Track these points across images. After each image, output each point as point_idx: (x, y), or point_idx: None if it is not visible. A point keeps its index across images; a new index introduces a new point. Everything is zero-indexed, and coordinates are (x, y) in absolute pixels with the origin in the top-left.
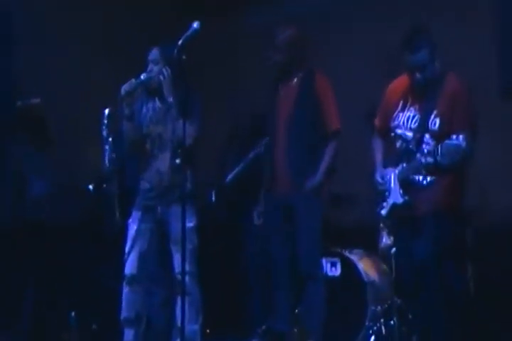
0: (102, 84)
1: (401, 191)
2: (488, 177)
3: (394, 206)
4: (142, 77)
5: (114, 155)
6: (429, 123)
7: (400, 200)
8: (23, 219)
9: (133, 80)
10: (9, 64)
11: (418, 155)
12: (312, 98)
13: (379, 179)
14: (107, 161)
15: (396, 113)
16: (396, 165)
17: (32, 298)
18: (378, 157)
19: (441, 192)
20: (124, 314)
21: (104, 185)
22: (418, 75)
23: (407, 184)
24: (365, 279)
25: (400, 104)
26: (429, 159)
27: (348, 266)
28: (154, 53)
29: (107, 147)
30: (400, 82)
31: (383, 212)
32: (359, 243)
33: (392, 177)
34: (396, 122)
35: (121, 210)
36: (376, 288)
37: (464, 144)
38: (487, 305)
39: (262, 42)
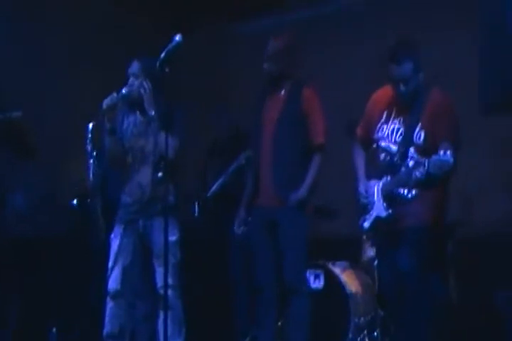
0: (85, 97)
1: (385, 204)
2: (470, 191)
3: (377, 219)
4: (124, 91)
5: (98, 170)
6: (414, 136)
7: (384, 214)
8: (4, 233)
9: (114, 94)
10: None
11: (403, 168)
12: (298, 111)
13: (362, 191)
14: (91, 175)
15: (380, 124)
16: (379, 178)
17: (14, 313)
18: (361, 169)
19: (426, 205)
20: (107, 329)
21: (89, 200)
22: (402, 87)
23: (390, 197)
24: (348, 291)
25: (384, 115)
26: (419, 173)
27: (331, 278)
28: (135, 66)
29: (91, 161)
30: (384, 93)
31: (366, 224)
32: (343, 255)
33: (376, 189)
34: (380, 134)
35: (105, 224)
36: (359, 300)
37: (451, 160)
38: (469, 316)
39: (249, 53)
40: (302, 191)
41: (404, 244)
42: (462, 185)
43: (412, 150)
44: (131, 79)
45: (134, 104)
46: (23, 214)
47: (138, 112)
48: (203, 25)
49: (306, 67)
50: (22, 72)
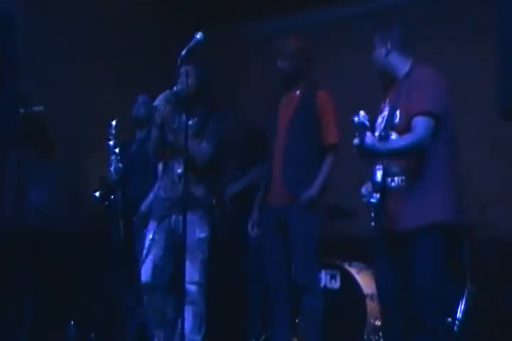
0: (107, 94)
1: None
2: (488, 192)
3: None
4: (175, 88)
5: (119, 166)
6: (393, 118)
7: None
8: (22, 226)
9: (168, 91)
10: (13, 71)
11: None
12: (312, 113)
13: (363, 191)
14: (113, 171)
15: (377, 116)
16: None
17: (32, 306)
18: None
19: (423, 202)
20: (151, 324)
21: (112, 196)
22: (376, 73)
23: (381, 188)
24: (364, 292)
25: (381, 107)
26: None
27: (348, 279)
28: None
29: (113, 157)
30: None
31: (373, 200)
32: (360, 256)
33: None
34: (376, 125)
35: (124, 219)
36: (375, 302)
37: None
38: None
39: (267, 53)
40: (313, 189)
41: (409, 250)
42: (480, 187)
43: (393, 134)
44: (181, 78)
45: (181, 103)
46: (42, 207)
47: (183, 113)
48: (214, 25)
49: (317, 70)
50: (44, 68)
